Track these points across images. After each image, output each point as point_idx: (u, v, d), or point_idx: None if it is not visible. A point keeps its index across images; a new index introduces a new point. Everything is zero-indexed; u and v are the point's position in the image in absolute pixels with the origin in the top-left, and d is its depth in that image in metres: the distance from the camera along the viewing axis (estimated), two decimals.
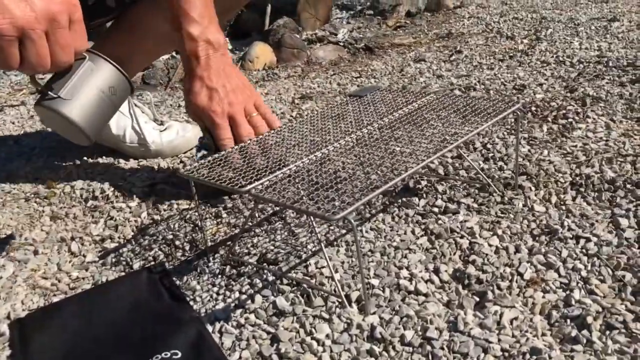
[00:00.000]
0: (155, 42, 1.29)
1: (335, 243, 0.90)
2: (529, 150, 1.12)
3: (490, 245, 0.84)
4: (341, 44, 2.43)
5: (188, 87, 1.00)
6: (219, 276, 0.86)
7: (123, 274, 0.90)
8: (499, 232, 0.87)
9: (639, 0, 2.62)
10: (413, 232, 0.90)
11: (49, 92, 0.83)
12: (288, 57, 2.26)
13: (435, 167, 1.09)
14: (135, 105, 1.34)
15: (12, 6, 0.68)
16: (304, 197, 0.78)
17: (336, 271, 0.83)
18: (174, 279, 0.87)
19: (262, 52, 2.24)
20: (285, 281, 0.82)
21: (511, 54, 1.93)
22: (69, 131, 0.88)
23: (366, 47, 2.38)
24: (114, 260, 0.94)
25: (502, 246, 0.83)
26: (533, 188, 0.99)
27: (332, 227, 0.94)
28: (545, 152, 1.11)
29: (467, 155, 1.11)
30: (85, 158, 1.35)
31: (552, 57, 1.80)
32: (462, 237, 0.87)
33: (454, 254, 0.83)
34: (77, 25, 0.76)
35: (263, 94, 1.82)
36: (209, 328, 0.75)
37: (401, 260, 0.83)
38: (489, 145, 1.16)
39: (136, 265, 0.92)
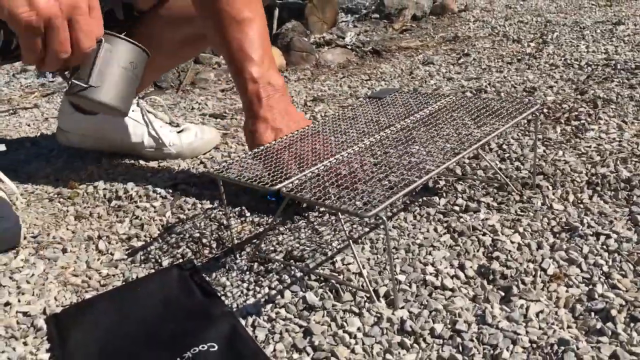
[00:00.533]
0: (166, 57, 1.30)
1: (359, 241, 0.92)
2: (544, 151, 1.15)
3: (512, 242, 0.86)
4: (349, 47, 2.45)
5: (253, 129, 1.02)
6: (247, 273, 0.88)
7: (153, 271, 0.92)
8: (520, 229, 0.89)
9: None
10: (436, 230, 0.93)
11: (78, 82, 0.86)
12: (297, 60, 2.29)
13: (453, 167, 1.12)
14: (148, 111, 1.36)
15: None
16: (331, 195, 0.80)
17: (363, 267, 0.85)
18: (203, 275, 0.89)
19: None
20: (313, 277, 0.84)
21: (519, 57, 1.96)
22: (103, 110, 0.93)
23: (374, 50, 2.40)
24: (142, 257, 0.96)
25: (524, 243, 0.86)
26: (550, 187, 1.01)
27: (355, 225, 0.97)
28: (560, 152, 1.13)
29: (484, 156, 1.14)
30: (105, 159, 1.37)
31: (560, 60, 1.83)
32: (484, 234, 0.89)
33: (478, 250, 0.86)
34: (95, 12, 0.77)
35: None
36: (242, 322, 0.77)
37: (426, 257, 0.86)
38: (504, 146, 1.19)
39: (165, 262, 0.94)
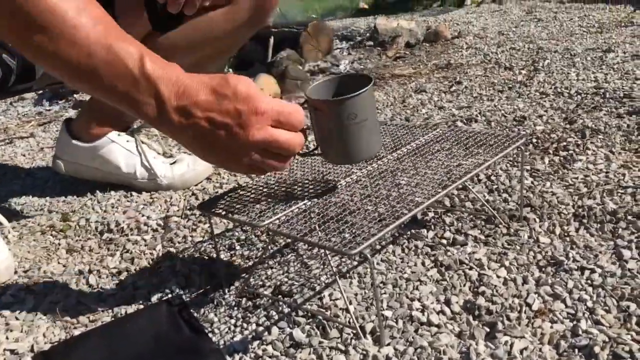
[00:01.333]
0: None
1: (347, 275, 0.93)
2: (532, 182, 1.16)
3: (498, 277, 0.87)
4: None
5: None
6: (235, 308, 0.89)
7: (142, 306, 0.93)
8: (507, 263, 0.90)
9: (632, 31, 2.69)
10: (423, 263, 0.93)
11: (306, 151, 0.86)
12: (292, 88, 2.31)
13: (441, 199, 1.13)
14: (142, 142, 1.38)
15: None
16: (318, 231, 0.81)
17: (350, 303, 0.85)
18: (192, 311, 0.89)
19: (266, 84, 2.29)
20: (300, 313, 0.85)
21: (510, 85, 1.98)
22: None
23: None
24: (132, 293, 0.97)
25: (510, 277, 0.86)
26: (537, 220, 1.02)
27: (344, 259, 0.97)
28: (548, 184, 1.14)
29: (472, 187, 1.15)
30: (98, 191, 1.38)
31: (551, 88, 1.85)
32: (471, 268, 0.90)
33: (464, 285, 0.86)
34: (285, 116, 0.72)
35: None
36: None
37: (413, 292, 0.86)
38: (492, 177, 1.20)
39: (154, 297, 0.95)
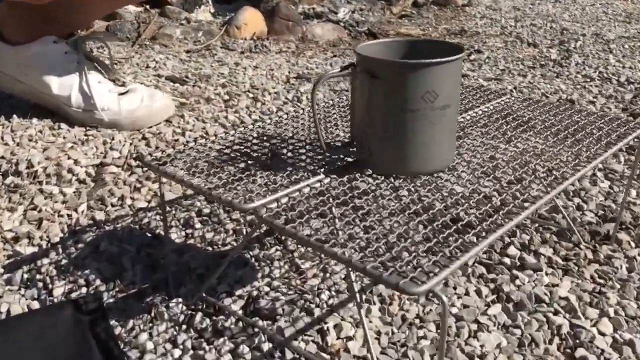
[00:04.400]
0: None
1: (362, 293, 0.61)
2: (610, 187, 0.85)
3: (602, 334, 0.56)
4: (341, 24, 2.13)
5: None
6: (183, 328, 0.56)
7: (36, 303, 0.59)
8: (610, 311, 0.59)
9: None
10: (479, 292, 0.62)
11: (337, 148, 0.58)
12: (281, 29, 1.95)
13: (489, 193, 0.81)
14: (87, 57, 1.01)
15: None
16: (339, 233, 0.48)
17: (371, 346, 0.53)
18: (113, 322, 0.56)
19: (251, 19, 1.92)
20: (288, 354, 0.52)
21: (542, 62, 1.67)
22: None
23: (369, 31, 2.09)
24: (26, 276, 0.62)
25: (623, 339, 0.55)
26: (633, 243, 0.71)
27: None
28: (633, 192, 0.84)
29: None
30: (16, 115, 1.01)
31: (594, 72, 1.55)
32: (556, 312, 0.59)
33: (550, 342, 0.55)
34: None
35: (251, 67, 1.51)
36: None
37: (469, 342, 0.54)
38: None
39: (58, 290, 0.61)
